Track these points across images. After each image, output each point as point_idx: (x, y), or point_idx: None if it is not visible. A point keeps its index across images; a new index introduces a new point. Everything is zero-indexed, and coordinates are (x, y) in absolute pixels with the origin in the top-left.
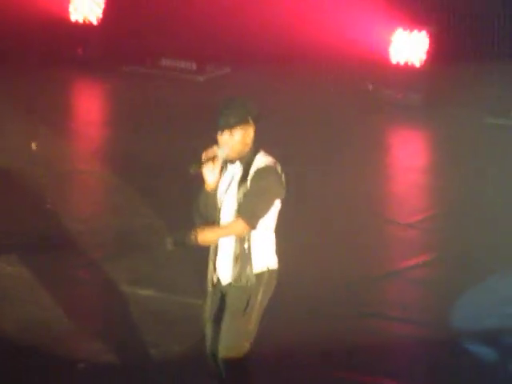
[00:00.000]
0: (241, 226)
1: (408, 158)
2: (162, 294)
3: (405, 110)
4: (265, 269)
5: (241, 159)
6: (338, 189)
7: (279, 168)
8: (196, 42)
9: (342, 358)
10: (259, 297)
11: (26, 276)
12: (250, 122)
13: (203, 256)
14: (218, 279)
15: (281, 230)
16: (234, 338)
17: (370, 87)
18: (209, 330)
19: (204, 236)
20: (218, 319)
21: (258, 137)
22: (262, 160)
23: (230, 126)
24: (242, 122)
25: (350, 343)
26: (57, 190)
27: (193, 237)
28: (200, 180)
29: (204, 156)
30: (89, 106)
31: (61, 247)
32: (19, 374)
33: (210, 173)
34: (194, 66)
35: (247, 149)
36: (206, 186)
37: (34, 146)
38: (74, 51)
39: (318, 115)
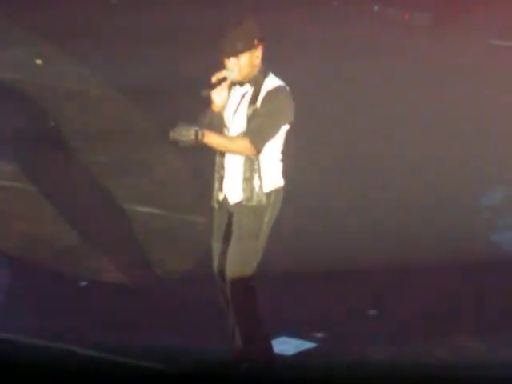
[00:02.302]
0: (247, 145)
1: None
2: (164, 212)
3: (411, 30)
4: (273, 188)
5: (250, 81)
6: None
7: (288, 90)
8: None
9: None
10: (267, 216)
11: (25, 191)
12: (256, 44)
13: (204, 175)
14: (225, 198)
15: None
16: (243, 259)
17: (376, 8)
18: (216, 249)
19: (209, 137)
20: (225, 238)
21: (267, 57)
22: (272, 81)
23: (237, 52)
24: (248, 46)
25: None
26: (58, 110)
27: (200, 134)
28: (207, 100)
29: (214, 78)
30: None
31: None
32: (21, 291)
33: (218, 95)
34: None
35: (256, 70)
36: (213, 106)
37: (38, 61)
38: None
39: (320, 32)
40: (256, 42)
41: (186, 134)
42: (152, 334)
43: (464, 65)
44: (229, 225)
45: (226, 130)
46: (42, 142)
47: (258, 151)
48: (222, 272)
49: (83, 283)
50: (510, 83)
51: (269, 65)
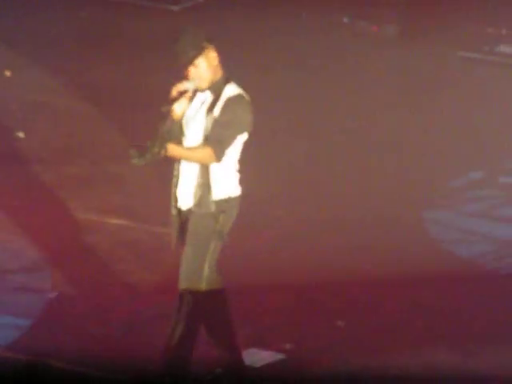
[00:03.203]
0: (207, 154)
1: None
2: (134, 224)
3: (380, 41)
4: (226, 196)
5: (210, 87)
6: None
7: (248, 99)
8: None
9: None
10: (219, 224)
11: None
12: (206, 45)
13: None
14: (181, 205)
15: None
16: (191, 266)
17: (345, 19)
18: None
19: (172, 149)
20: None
21: (227, 64)
22: (232, 90)
23: (190, 59)
24: (200, 50)
25: None
26: (28, 120)
27: (162, 148)
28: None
29: (174, 92)
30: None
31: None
32: None
33: (178, 105)
34: None
35: (218, 75)
36: (172, 114)
37: (7, 73)
38: None
39: (291, 42)
40: (205, 43)
41: (149, 150)
42: (124, 347)
43: (432, 77)
44: (176, 230)
45: (183, 138)
46: (8, 153)
47: (219, 160)
48: None
49: (52, 294)
50: (478, 95)
51: (232, 72)
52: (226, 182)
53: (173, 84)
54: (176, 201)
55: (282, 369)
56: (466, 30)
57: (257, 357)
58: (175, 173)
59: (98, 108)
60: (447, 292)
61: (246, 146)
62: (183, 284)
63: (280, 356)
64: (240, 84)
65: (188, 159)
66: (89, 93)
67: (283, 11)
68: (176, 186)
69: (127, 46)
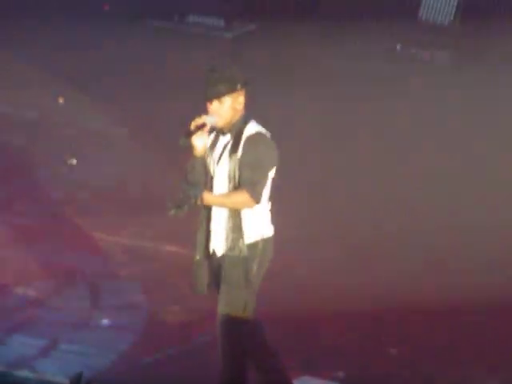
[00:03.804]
0: (245, 197)
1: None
2: (187, 250)
3: (432, 68)
4: (259, 238)
5: (231, 128)
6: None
7: (269, 135)
8: None
9: None
10: (255, 266)
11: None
12: (239, 88)
13: None
14: (214, 250)
15: None
16: (229, 310)
17: (398, 46)
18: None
19: (207, 198)
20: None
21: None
22: (251, 129)
23: (219, 95)
24: (230, 89)
25: None
26: (78, 146)
27: (198, 199)
28: (189, 150)
29: (193, 125)
30: (113, 62)
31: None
32: None
33: (198, 140)
34: (222, 23)
35: (238, 116)
36: (194, 153)
37: (60, 99)
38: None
39: (344, 69)
40: (239, 86)
41: (185, 201)
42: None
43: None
44: (218, 276)
45: (210, 177)
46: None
47: (258, 202)
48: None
49: (106, 322)
50: None
51: (252, 111)
52: (258, 223)
53: (192, 119)
54: (203, 246)
55: None
56: None
57: None
58: (201, 219)
59: (149, 137)
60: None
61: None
62: (223, 327)
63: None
64: (261, 122)
65: (224, 206)
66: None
67: (335, 38)
68: (205, 233)
69: (180, 76)
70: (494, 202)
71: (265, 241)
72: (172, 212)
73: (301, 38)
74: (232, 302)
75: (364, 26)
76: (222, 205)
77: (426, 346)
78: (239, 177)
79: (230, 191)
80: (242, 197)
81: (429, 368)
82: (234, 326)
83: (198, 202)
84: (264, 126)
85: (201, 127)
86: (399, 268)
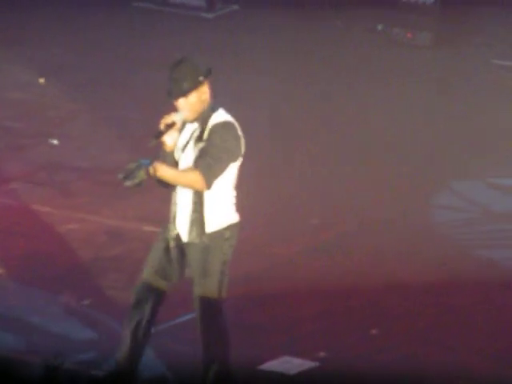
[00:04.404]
0: (197, 178)
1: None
2: None
3: (414, 49)
4: (224, 225)
5: (199, 118)
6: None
7: (235, 124)
8: None
9: None
10: (221, 253)
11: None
12: (202, 80)
13: None
14: (178, 235)
15: None
16: (206, 295)
17: (380, 27)
18: (143, 288)
19: (161, 170)
20: (159, 274)
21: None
22: (219, 117)
23: (184, 92)
24: (194, 84)
25: None
26: (62, 127)
27: (151, 169)
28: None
29: (162, 125)
30: (97, 40)
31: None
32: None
33: (169, 138)
34: (204, 3)
35: (205, 106)
36: (164, 147)
37: (41, 80)
38: None
39: (326, 51)
40: (201, 78)
41: (136, 172)
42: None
43: (465, 83)
44: (176, 262)
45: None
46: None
47: (208, 187)
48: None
49: (85, 302)
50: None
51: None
52: (224, 210)
53: (160, 118)
54: (172, 230)
55: (315, 377)
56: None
57: (290, 364)
58: (172, 202)
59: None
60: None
61: (276, 152)
62: (201, 314)
63: (313, 364)
64: (229, 111)
65: (177, 182)
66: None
67: (318, 19)
68: (173, 216)
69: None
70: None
71: (230, 227)
72: (126, 183)
73: (283, 20)
74: (204, 289)
75: (345, 7)
76: (174, 179)
77: (408, 327)
78: (197, 159)
79: (185, 169)
80: (195, 177)
81: (411, 349)
82: (212, 313)
83: (151, 171)
84: (247, 107)
85: (170, 126)
86: (382, 247)
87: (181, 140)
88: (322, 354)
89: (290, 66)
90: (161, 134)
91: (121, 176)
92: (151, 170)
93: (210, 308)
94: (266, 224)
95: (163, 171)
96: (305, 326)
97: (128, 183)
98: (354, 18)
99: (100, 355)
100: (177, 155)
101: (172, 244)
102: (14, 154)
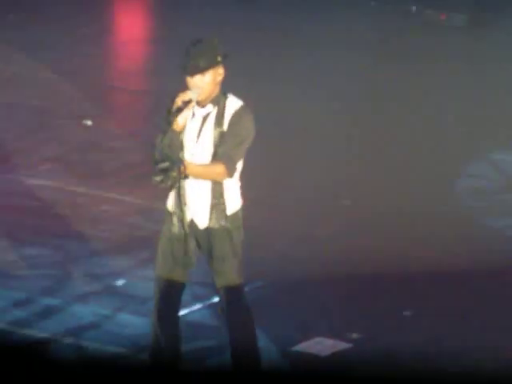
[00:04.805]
0: (222, 170)
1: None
2: None
3: (448, 30)
4: (238, 207)
5: (212, 101)
6: None
7: (251, 110)
8: None
9: None
10: (237, 235)
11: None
12: (220, 60)
13: None
14: (193, 223)
15: None
16: (230, 280)
17: (413, 8)
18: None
19: (192, 169)
20: (179, 265)
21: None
22: (236, 102)
23: (201, 69)
24: (212, 63)
25: None
26: (97, 108)
27: (182, 168)
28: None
29: (179, 101)
30: (130, 24)
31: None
32: None
33: (182, 116)
34: None
35: (218, 89)
36: (174, 127)
37: (88, 122)
38: None
39: (359, 29)
40: (219, 58)
41: (170, 173)
42: None
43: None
44: (191, 250)
45: (186, 152)
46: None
47: (231, 176)
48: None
49: (120, 282)
50: None
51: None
52: (237, 194)
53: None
54: (181, 218)
55: (348, 358)
56: None
57: (323, 346)
58: (175, 193)
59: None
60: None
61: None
62: (232, 295)
63: (347, 345)
64: (240, 96)
65: (202, 177)
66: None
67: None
68: (179, 206)
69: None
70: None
71: (241, 210)
72: (162, 185)
73: None
74: (229, 273)
75: None
76: (201, 175)
77: (440, 308)
78: (218, 148)
79: (208, 162)
80: (219, 169)
81: (441, 330)
82: (240, 295)
83: (182, 170)
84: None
85: (188, 103)
86: (416, 230)
87: (192, 125)
88: (354, 334)
89: (322, 46)
90: (180, 110)
91: (158, 179)
92: (182, 169)
93: (239, 290)
94: (300, 207)
95: (193, 169)
96: (338, 307)
97: (163, 185)
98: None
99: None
100: (188, 140)
101: (187, 231)
102: (48, 134)
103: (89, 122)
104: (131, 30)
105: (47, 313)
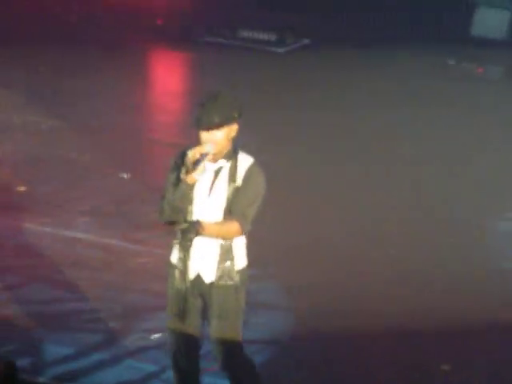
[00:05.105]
0: (236, 229)
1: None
2: None
3: (485, 83)
4: (246, 262)
5: (225, 156)
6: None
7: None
8: (276, 12)
9: None
10: (242, 292)
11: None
12: (236, 117)
13: None
14: (199, 277)
15: None
16: (229, 338)
17: (451, 61)
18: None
19: (205, 228)
20: (192, 318)
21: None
22: (247, 158)
23: (217, 125)
24: (228, 120)
25: None
26: (135, 160)
27: (199, 228)
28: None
29: (197, 154)
30: (169, 77)
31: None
32: None
33: (199, 169)
34: (274, 38)
35: (230, 145)
36: (189, 180)
37: (125, 176)
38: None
39: (397, 86)
40: (236, 115)
41: (190, 233)
42: None
43: None
44: (195, 306)
45: (196, 205)
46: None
47: (244, 234)
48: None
49: (156, 336)
50: None
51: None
52: (243, 251)
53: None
54: (185, 272)
55: None
56: None
57: None
58: (187, 244)
59: None
60: None
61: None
62: (226, 362)
63: None
64: (250, 153)
65: (218, 235)
66: None
67: (388, 54)
68: (184, 261)
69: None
70: None
71: (246, 268)
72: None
73: (352, 54)
74: (228, 331)
75: (414, 43)
76: (216, 233)
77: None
78: (231, 205)
79: (222, 220)
80: (234, 228)
81: None
82: (238, 348)
83: (200, 231)
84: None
85: (205, 155)
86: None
87: (204, 180)
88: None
89: (357, 102)
90: (198, 162)
91: (186, 239)
92: (200, 229)
93: (236, 346)
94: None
95: (209, 229)
96: (376, 364)
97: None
98: (425, 53)
99: None
100: (200, 194)
101: (188, 286)
102: (83, 185)
103: (125, 176)
104: (170, 82)
105: (98, 366)
